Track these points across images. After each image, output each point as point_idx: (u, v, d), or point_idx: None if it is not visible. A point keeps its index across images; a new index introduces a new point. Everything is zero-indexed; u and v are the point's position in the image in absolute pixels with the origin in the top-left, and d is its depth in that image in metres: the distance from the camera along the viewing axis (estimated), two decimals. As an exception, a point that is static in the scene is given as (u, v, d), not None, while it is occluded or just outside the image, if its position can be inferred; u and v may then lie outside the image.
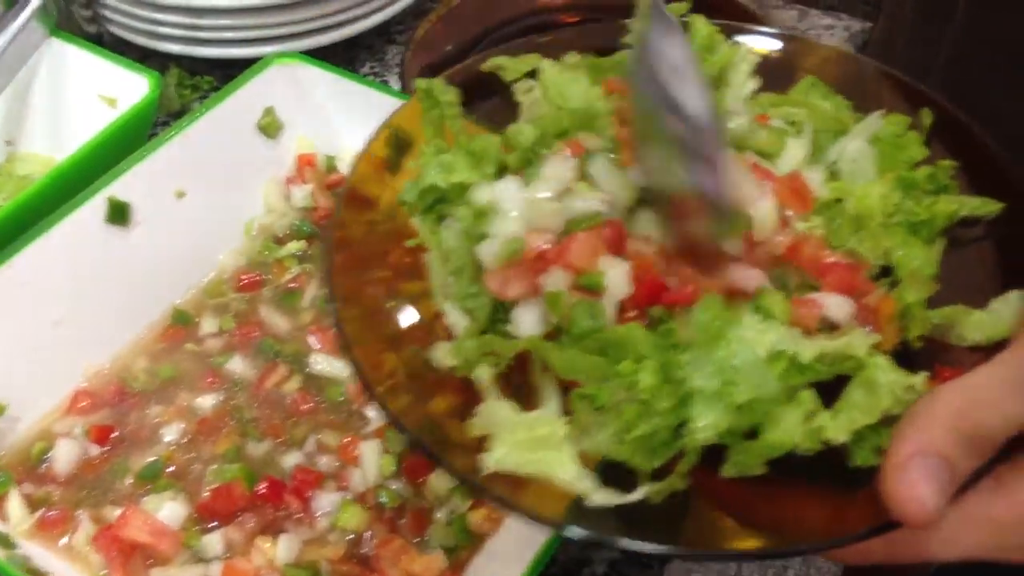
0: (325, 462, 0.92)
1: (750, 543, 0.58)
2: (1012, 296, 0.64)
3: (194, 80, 1.29)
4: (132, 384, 0.96)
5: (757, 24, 1.25)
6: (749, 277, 0.63)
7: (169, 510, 0.87)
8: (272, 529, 0.87)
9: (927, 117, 0.77)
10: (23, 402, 0.92)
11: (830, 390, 0.60)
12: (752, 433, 0.59)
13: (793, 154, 0.74)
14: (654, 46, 0.63)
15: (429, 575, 0.83)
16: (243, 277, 1.05)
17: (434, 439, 0.60)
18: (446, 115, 0.76)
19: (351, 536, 0.87)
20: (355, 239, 0.71)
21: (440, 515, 0.87)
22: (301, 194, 1.10)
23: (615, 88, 0.77)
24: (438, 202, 0.71)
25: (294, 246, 1.07)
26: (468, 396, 0.63)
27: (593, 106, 0.76)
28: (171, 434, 0.93)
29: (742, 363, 0.58)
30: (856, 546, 0.56)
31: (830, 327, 0.63)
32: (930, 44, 1.07)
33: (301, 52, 1.18)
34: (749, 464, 0.59)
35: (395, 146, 0.76)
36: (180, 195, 1.02)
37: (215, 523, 0.87)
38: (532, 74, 0.80)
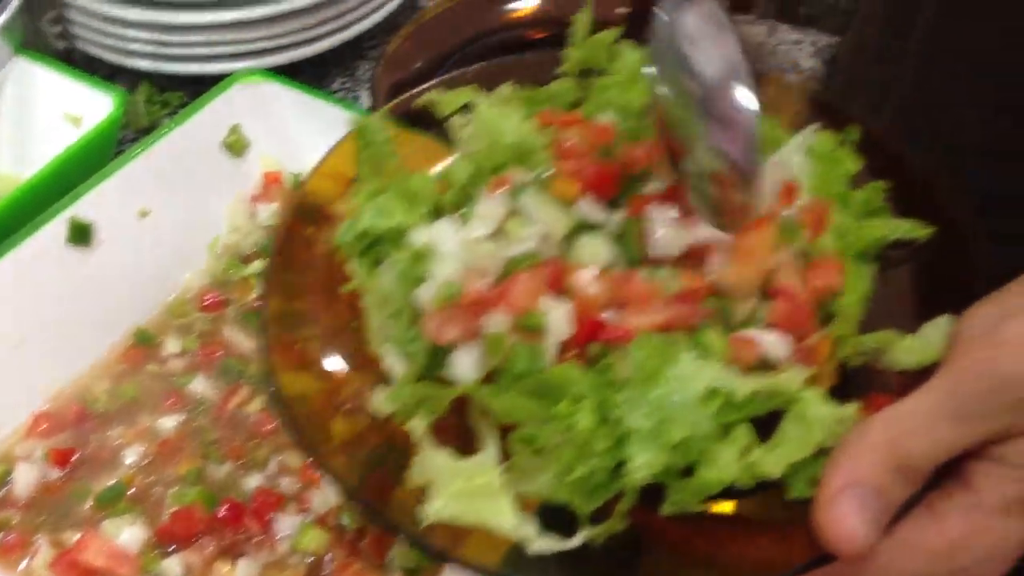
0: (287, 483, 0.91)
1: None
2: (941, 321, 0.64)
3: (164, 96, 1.28)
4: (93, 406, 0.96)
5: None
6: (691, 314, 0.63)
7: (128, 534, 0.86)
8: (232, 553, 0.87)
9: (854, 132, 0.77)
10: (-18, 425, 0.92)
11: (767, 423, 0.60)
12: (689, 470, 0.59)
13: None
14: (670, 19, 0.63)
15: (389, 598, 0.83)
16: (207, 296, 1.04)
17: (373, 491, 0.61)
18: (381, 153, 0.76)
19: (311, 559, 0.86)
20: (290, 284, 0.72)
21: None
22: (267, 212, 1.09)
23: (550, 120, 0.77)
24: (374, 245, 0.71)
25: (259, 265, 1.06)
26: (408, 443, 0.63)
27: (527, 140, 0.75)
28: (132, 456, 0.93)
29: (677, 402, 0.58)
30: None
31: (767, 363, 0.63)
32: (894, 58, 1.07)
33: (272, 68, 1.18)
34: (687, 502, 0.59)
35: (330, 187, 0.77)
36: (144, 214, 1.02)
37: (174, 547, 0.87)
38: (467, 107, 0.80)
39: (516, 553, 0.58)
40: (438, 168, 0.78)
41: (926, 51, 1.01)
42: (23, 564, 0.86)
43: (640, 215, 0.69)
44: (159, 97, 1.27)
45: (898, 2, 1.10)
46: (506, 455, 0.62)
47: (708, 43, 0.62)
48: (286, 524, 0.88)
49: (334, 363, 0.69)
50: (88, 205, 0.97)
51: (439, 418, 0.63)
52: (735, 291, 0.66)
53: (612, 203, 0.72)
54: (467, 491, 0.59)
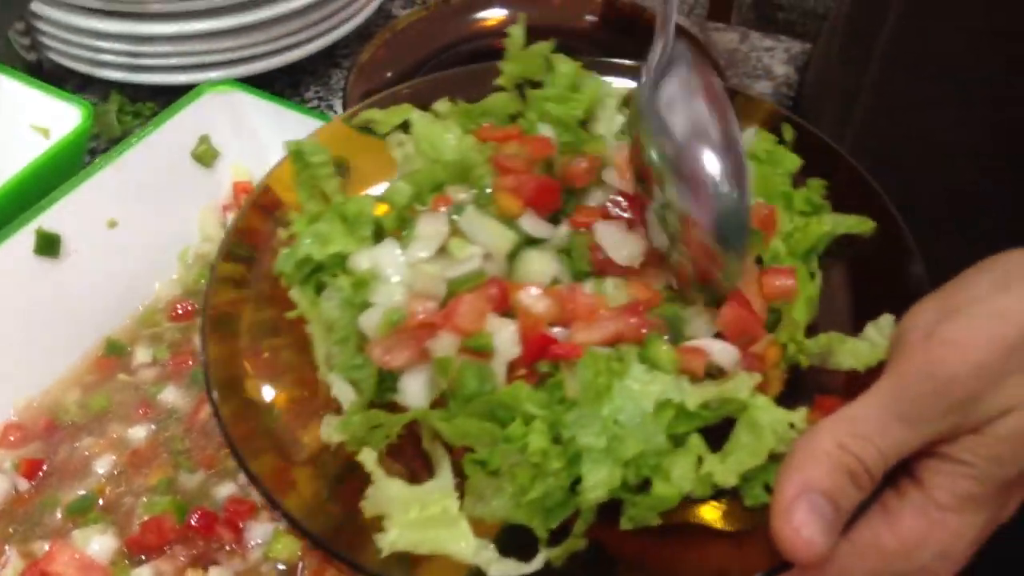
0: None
1: None
2: (883, 321, 0.65)
3: (136, 107, 1.28)
4: (63, 416, 0.96)
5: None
6: (638, 326, 0.63)
7: (99, 544, 0.86)
8: (204, 561, 0.86)
9: (788, 132, 0.78)
10: (-49, 437, 0.91)
11: (717, 430, 0.61)
12: (645, 485, 0.59)
13: None
14: (661, 76, 0.65)
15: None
16: (178, 306, 1.04)
17: (327, 525, 0.60)
18: (318, 176, 0.75)
19: (284, 567, 0.86)
20: (232, 317, 0.71)
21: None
22: (238, 222, 1.09)
23: (488, 136, 0.77)
24: (315, 271, 0.70)
25: (231, 274, 1.06)
26: (360, 471, 0.62)
27: (467, 157, 0.75)
28: (103, 466, 0.93)
29: (628, 418, 0.58)
30: None
31: (717, 372, 0.63)
32: (860, 62, 1.08)
33: (244, 77, 1.18)
34: (644, 517, 0.59)
35: (263, 216, 0.76)
36: (113, 224, 1.02)
37: (145, 557, 0.86)
38: (405, 126, 0.80)
39: None
40: (378, 189, 0.77)
41: (890, 54, 1.02)
42: (-8, 576, 0.85)
43: (584, 228, 0.69)
44: (131, 107, 1.27)
45: (863, 6, 1.11)
46: (461, 477, 0.61)
47: (681, 108, 0.64)
48: (258, 532, 0.88)
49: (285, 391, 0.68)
50: (55, 216, 0.97)
51: (391, 443, 0.63)
52: (697, 310, 0.66)
53: (554, 217, 0.72)
54: (423, 520, 0.59)
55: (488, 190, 0.71)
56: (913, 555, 0.56)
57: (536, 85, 0.82)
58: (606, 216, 0.70)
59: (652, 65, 0.67)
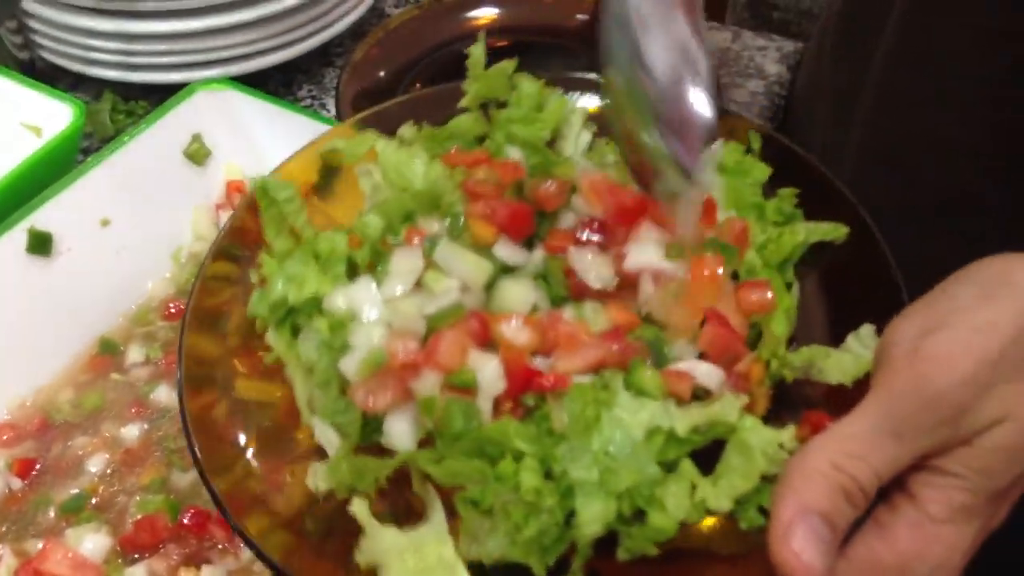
0: (251, 491, 0.91)
1: None
2: (864, 331, 0.65)
3: (129, 105, 1.28)
4: (56, 415, 0.96)
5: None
6: (622, 351, 0.63)
7: (92, 543, 0.86)
8: (196, 560, 0.86)
9: (755, 141, 0.78)
10: (-56, 436, 0.91)
11: (705, 451, 0.60)
12: (640, 513, 0.58)
13: None
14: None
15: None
16: (171, 305, 1.04)
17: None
18: (285, 212, 0.74)
19: (276, 565, 0.86)
20: (208, 360, 0.70)
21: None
22: (231, 221, 1.09)
23: (457, 161, 0.76)
24: (290, 313, 0.69)
25: (224, 273, 1.06)
26: (350, 518, 0.62)
27: (437, 184, 0.74)
28: (96, 465, 0.93)
29: (618, 449, 0.58)
30: None
31: (703, 392, 0.63)
32: (858, 60, 1.08)
33: (238, 76, 1.18)
34: (641, 548, 0.58)
35: (235, 253, 0.75)
36: (105, 223, 1.02)
37: (139, 555, 0.86)
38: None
39: None
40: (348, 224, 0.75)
41: (894, 53, 1.02)
42: (-14, 574, 0.85)
43: (559, 252, 0.69)
44: (124, 106, 1.27)
45: (860, 5, 1.11)
46: (453, 515, 0.60)
47: (660, 29, 0.62)
48: (250, 531, 0.88)
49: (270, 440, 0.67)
50: (47, 215, 0.97)
51: (379, 489, 0.62)
52: (676, 330, 0.66)
53: (527, 241, 0.71)
54: (420, 569, 0.58)
55: (461, 218, 0.70)
56: (910, 569, 0.56)
57: (501, 105, 0.81)
58: (577, 241, 0.69)
59: None
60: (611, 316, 0.66)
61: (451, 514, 0.61)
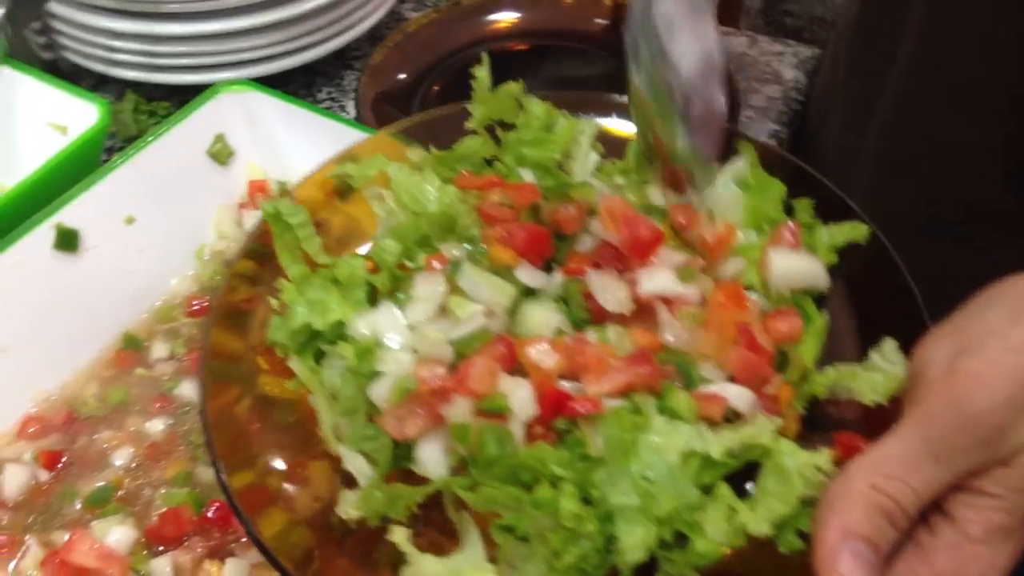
0: (274, 485, 0.92)
1: None
2: (887, 347, 0.65)
3: (151, 106, 1.29)
4: (82, 409, 0.97)
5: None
6: (652, 374, 0.62)
7: (117, 534, 0.87)
8: (220, 553, 0.87)
9: (751, 152, 0.77)
10: (-29, 429, 0.92)
11: (737, 475, 0.61)
12: (679, 538, 0.58)
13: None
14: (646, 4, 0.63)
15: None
16: (194, 302, 1.05)
17: None
18: (299, 237, 0.73)
19: (299, 559, 0.87)
20: (232, 357, 0.70)
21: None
22: (253, 220, 1.11)
23: (469, 184, 0.76)
24: (312, 339, 0.68)
25: (246, 271, 1.08)
26: (376, 544, 0.62)
27: (451, 208, 0.74)
28: (121, 459, 0.94)
29: (657, 474, 0.58)
30: None
31: (733, 415, 0.63)
32: (876, 70, 1.09)
33: (258, 78, 1.19)
34: (681, 573, 0.58)
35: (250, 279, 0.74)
36: (130, 221, 1.03)
37: (163, 547, 0.87)
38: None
39: None
40: (363, 249, 0.75)
41: (913, 65, 1.02)
42: (12, 564, 0.86)
43: (578, 275, 0.69)
44: (146, 106, 1.29)
45: (877, 16, 1.12)
46: (488, 541, 0.60)
47: (685, 30, 0.63)
48: (273, 525, 0.89)
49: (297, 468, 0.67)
50: (74, 212, 0.98)
51: (412, 514, 0.62)
52: (701, 353, 0.66)
53: (545, 265, 0.71)
54: None
55: (480, 243, 0.70)
56: None
57: (507, 126, 0.81)
58: (595, 264, 0.69)
59: None
60: (635, 339, 0.66)
61: (486, 541, 0.60)
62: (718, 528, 0.58)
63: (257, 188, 1.12)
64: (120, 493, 0.91)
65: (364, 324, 0.67)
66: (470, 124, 0.81)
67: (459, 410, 0.61)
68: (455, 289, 0.68)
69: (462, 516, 0.62)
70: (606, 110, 0.84)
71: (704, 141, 0.63)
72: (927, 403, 0.57)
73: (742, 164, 0.76)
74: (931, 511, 0.57)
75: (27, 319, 0.96)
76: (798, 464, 0.59)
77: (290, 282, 0.72)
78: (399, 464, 0.64)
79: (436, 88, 1.31)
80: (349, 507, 0.63)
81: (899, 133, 1.06)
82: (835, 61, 1.24)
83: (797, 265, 0.70)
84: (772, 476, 0.59)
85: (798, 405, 0.66)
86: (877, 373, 0.64)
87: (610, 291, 0.67)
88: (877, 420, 0.59)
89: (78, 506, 0.90)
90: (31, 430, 0.95)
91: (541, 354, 0.63)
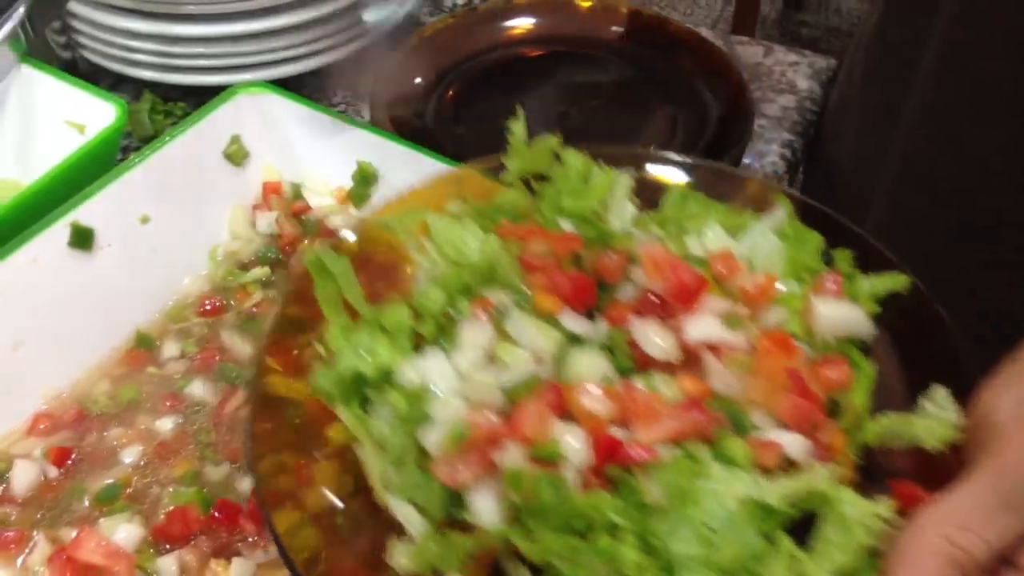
0: (282, 485, 0.92)
1: None
2: (938, 394, 0.64)
3: (168, 106, 1.30)
4: (92, 407, 0.97)
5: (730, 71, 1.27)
6: (704, 422, 0.62)
7: (125, 532, 0.88)
8: (226, 552, 0.88)
9: (786, 205, 0.77)
10: (-19, 424, 0.93)
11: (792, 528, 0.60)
12: None
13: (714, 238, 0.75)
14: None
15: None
16: (207, 302, 1.06)
17: None
18: (342, 286, 0.73)
19: (305, 559, 0.88)
20: (277, 442, 0.69)
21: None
22: (266, 221, 1.11)
23: (510, 232, 0.75)
24: (357, 386, 0.68)
25: (258, 272, 1.08)
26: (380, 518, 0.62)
27: (493, 256, 0.73)
28: (130, 456, 0.94)
29: (719, 521, 0.57)
30: None
31: (788, 463, 0.62)
32: (897, 82, 1.08)
33: (274, 80, 1.20)
34: None
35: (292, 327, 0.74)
36: (145, 220, 1.04)
37: (170, 546, 0.88)
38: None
39: None
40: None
41: (936, 78, 1.02)
42: (20, 559, 0.87)
43: (622, 324, 0.68)
44: (163, 107, 1.29)
45: (897, 28, 1.12)
46: None
47: None
48: (280, 525, 0.89)
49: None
50: (90, 210, 0.99)
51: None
52: (750, 400, 0.65)
53: (588, 314, 0.70)
54: None
55: (522, 291, 0.69)
56: None
57: (541, 178, 0.81)
58: (638, 312, 0.69)
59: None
60: (683, 387, 0.65)
61: None
62: None
63: (271, 190, 1.13)
64: (128, 491, 0.92)
65: (412, 370, 0.67)
66: (505, 177, 0.81)
67: (512, 457, 0.60)
68: (502, 335, 0.67)
69: (516, 566, 0.61)
70: (641, 163, 0.84)
71: None
72: (998, 453, 0.56)
73: (780, 215, 0.76)
74: (999, 562, 0.56)
75: (40, 316, 0.96)
76: (859, 513, 0.58)
77: (334, 330, 0.71)
78: (448, 514, 0.63)
79: (451, 93, 1.31)
80: (401, 558, 0.62)
81: (926, 138, 1.05)
82: (851, 71, 1.24)
83: (842, 313, 0.69)
84: (832, 525, 0.58)
85: (852, 453, 0.65)
86: (932, 420, 0.64)
87: (656, 339, 0.67)
88: (929, 469, 0.58)
89: (86, 503, 0.91)
90: (41, 426, 0.95)
91: (594, 401, 0.62)
